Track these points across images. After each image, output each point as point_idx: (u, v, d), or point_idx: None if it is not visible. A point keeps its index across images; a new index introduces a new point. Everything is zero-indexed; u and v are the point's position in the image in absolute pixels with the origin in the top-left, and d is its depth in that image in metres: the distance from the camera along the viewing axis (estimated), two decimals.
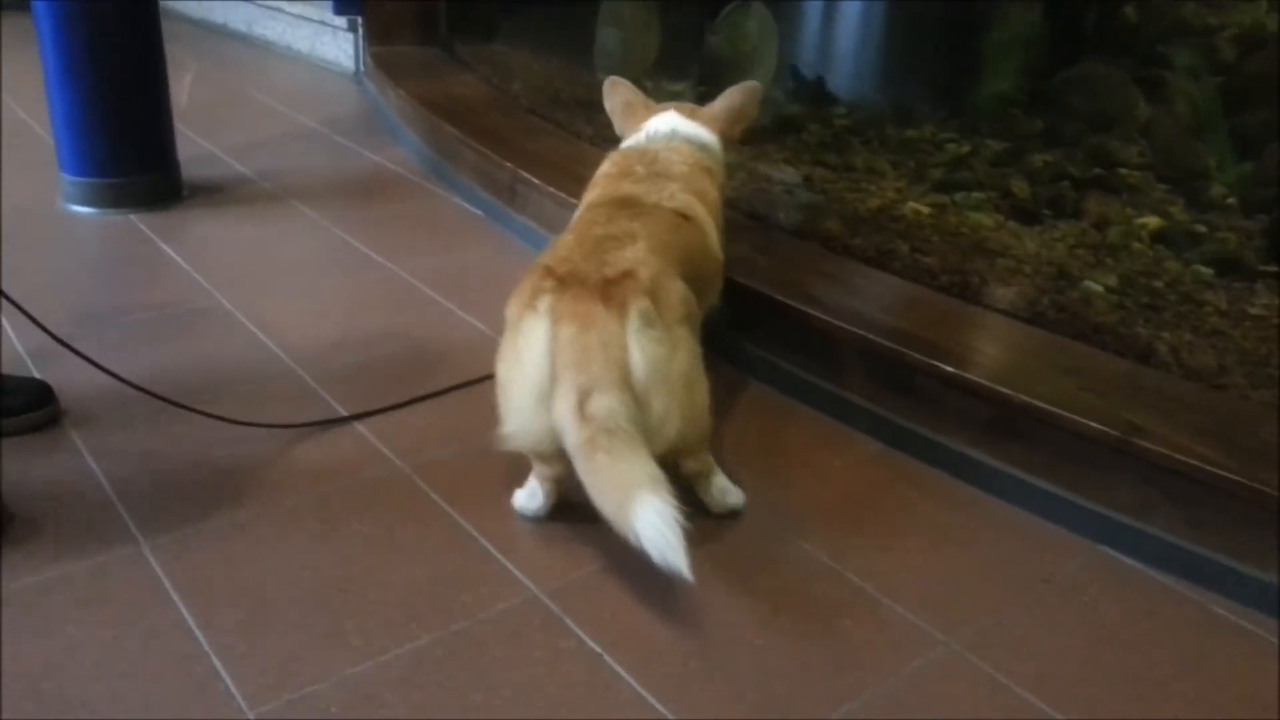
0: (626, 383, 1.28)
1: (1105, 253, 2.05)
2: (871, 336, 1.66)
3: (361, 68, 3.86)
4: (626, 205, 1.55)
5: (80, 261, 2.19)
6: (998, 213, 2.24)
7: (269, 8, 4.28)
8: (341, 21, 3.85)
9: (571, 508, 1.44)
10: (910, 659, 1.21)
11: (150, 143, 2.46)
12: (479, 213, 2.60)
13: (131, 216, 2.40)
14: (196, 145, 2.94)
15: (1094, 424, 1.42)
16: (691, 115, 1.81)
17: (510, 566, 1.32)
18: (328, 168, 2.89)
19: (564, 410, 1.27)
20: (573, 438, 1.26)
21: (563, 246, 1.43)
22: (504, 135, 2.67)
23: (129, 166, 2.42)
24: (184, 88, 3.57)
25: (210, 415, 1.56)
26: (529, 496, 1.45)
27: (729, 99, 1.85)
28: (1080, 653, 1.23)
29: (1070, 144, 2.66)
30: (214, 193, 2.61)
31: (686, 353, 1.36)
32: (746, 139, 1.94)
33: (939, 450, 1.59)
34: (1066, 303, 1.79)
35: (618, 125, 1.90)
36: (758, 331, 1.84)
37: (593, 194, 1.66)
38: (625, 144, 1.81)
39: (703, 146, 1.76)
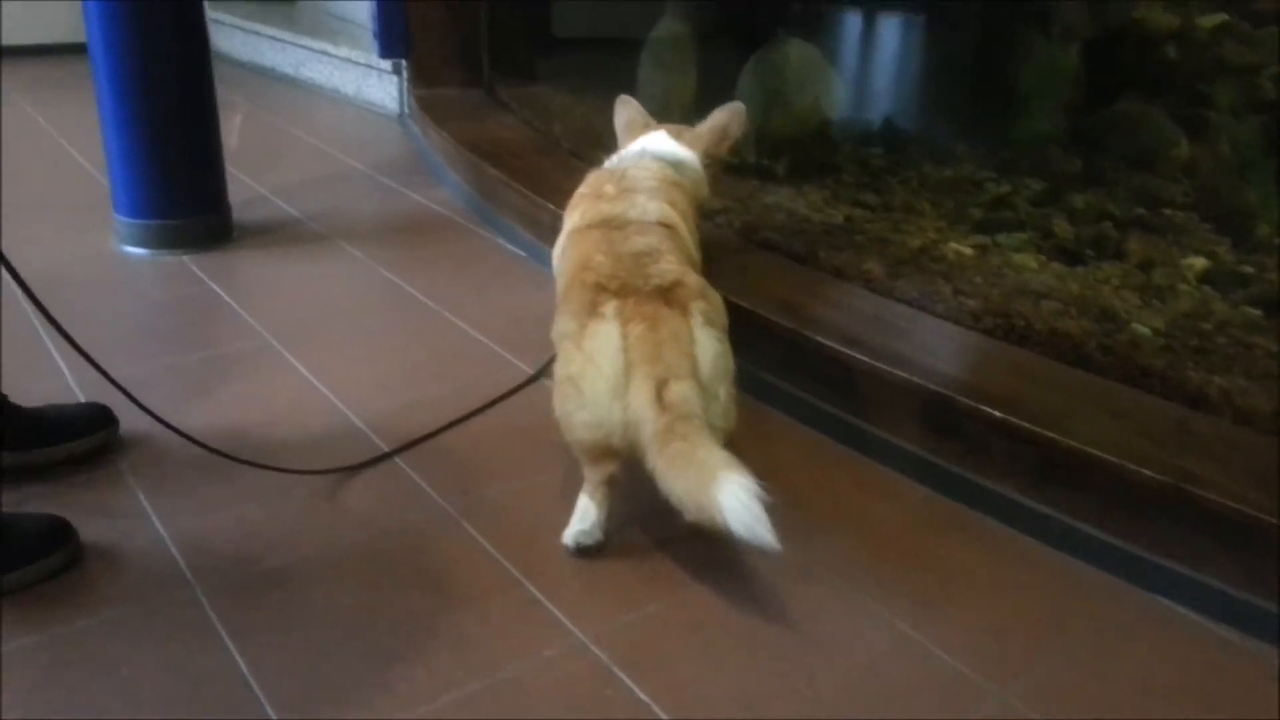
0: (697, 374, 1.39)
1: (1151, 294, 2.03)
2: (916, 380, 1.66)
3: (405, 110, 3.93)
4: (614, 224, 1.64)
5: (133, 303, 2.24)
6: (1040, 253, 2.23)
7: (316, 51, 4.37)
8: (386, 65, 3.92)
9: (617, 552, 1.44)
10: (962, 710, 1.19)
11: (202, 185, 2.52)
12: (521, 254, 2.63)
13: (184, 257, 2.46)
14: (246, 186, 3.00)
15: (1146, 471, 1.40)
16: (677, 135, 1.92)
17: (556, 612, 1.33)
18: (373, 209, 2.94)
19: (643, 401, 1.35)
20: (651, 426, 1.33)
21: (601, 266, 1.51)
22: (545, 177, 2.70)
23: (182, 208, 2.48)
24: (233, 129, 3.65)
25: (259, 466, 1.58)
26: (581, 517, 1.45)
27: (714, 119, 1.96)
28: (1135, 706, 1.21)
29: (1111, 183, 2.65)
30: (263, 233, 2.66)
31: (731, 354, 1.49)
32: (734, 153, 2.06)
33: (986, 495, 1.58)
34: (1114, 345, 1.78)
35: (620, 141, 1.99)
36: (799, 374, 1.84)
37: (574, 217, 1.74)
38: (604, 164, 1.90)
39: (674, 163, 1.86)
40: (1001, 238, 2.30)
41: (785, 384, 1.87)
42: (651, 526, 1.51)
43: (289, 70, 4.57)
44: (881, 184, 2.71)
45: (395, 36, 3.70)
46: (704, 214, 1.99)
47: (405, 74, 3.88)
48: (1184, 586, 1.39)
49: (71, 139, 3.43)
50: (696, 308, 1.45)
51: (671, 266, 1.52)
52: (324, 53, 4.33)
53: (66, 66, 4.53)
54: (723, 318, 1.51)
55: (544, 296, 2.36)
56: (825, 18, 4.14)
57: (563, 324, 1.50)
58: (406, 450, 1.68)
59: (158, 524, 1.47)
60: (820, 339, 1.79)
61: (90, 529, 1.44)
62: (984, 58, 3.10)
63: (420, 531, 1.49)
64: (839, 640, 1.30)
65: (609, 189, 1.74)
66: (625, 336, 1.39)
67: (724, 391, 1.43)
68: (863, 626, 1.33)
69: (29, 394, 1.78)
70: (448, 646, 1.26)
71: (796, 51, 2.96)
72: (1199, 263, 2.16)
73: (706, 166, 1.92)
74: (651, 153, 1.86)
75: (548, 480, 1.62)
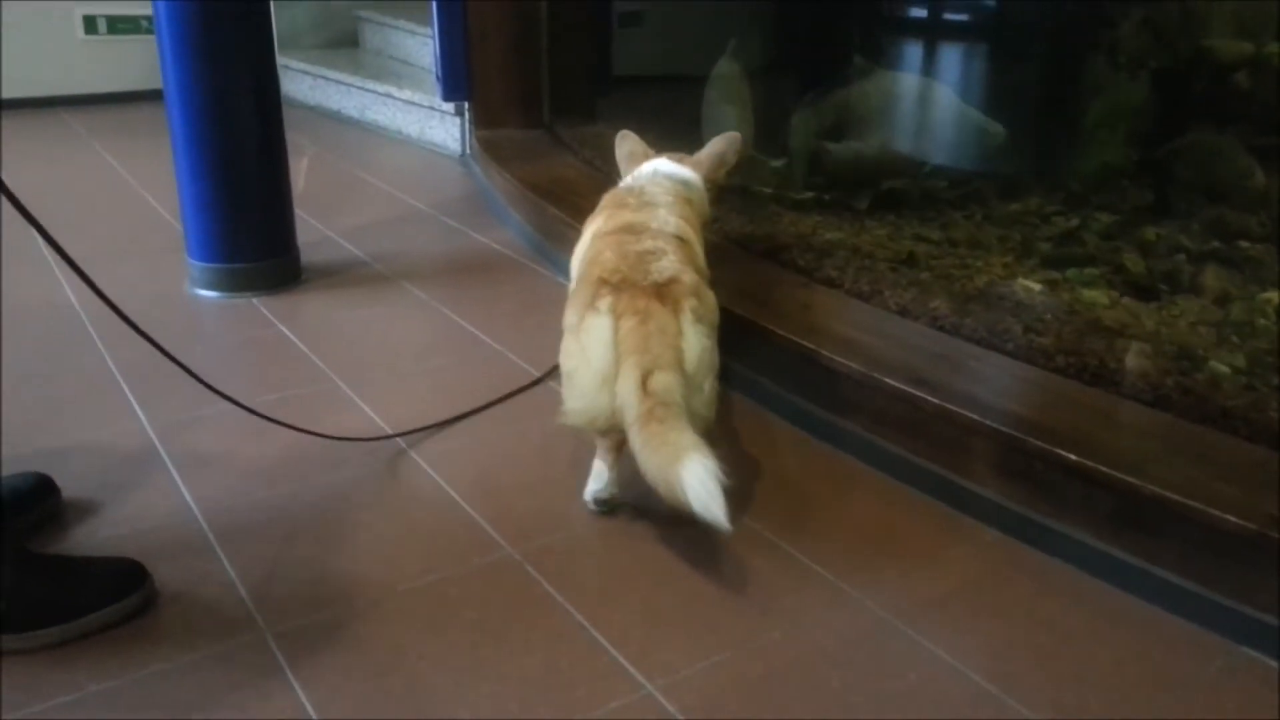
0: (682, 366, 1.50)
1: (1229, 330, 1.97)
2: (986, 421, 1.62)
3: (468, 151, 3.99)
4: (633, 230, 1.74)
5: (205, 345, 2.29)
6: (1111, 289, 2.18)
7: (381, 94, 4.46)
8: (449, 107, 3.99)
9: (681, 599, 1.43)
10: None
11: (273, 229, 2.58)
12: None
13: (253, 300, 2.51)
14: (313, 228, 3.06)
15: (1230, 516, 1.35)
16: (679, 161, 2.06)
17: (622, 660, 1.31)
18: (437, 249, 2.98)
19: (628, 388, 1.47)
20: (633, 411, 1.45)
21: (607, 261, 1.62)
22: None
23: (252, 252, 2.53)
24: (301, 172, 3.74)
25: (295, 428, 1.59)
26: (595, 478, 1.65)
27: (712, 147, 2.11)
28: None
29: (1184, 215, 2.59)
30: (330, 275, 2.71)
31: (718, 352, 1.61)
32: (734, 174, 2.19)
33: (1062, 540, 1.54)
34: (1192, 385, 1.73)
35: (623, 171, 2.14)
36: (865, 414, 1.82)
37: (597, 223, 1.86)
38: (620, 184, 2.04)
39: (683, 182, 2.00)
40: (1071, 273, 2.26)
41: (852, 425, 1.84)
42: (716, 574, 1.50)
43: (354, 113, 4.67)
44: (946, 217, 2.68)
45: (458, 80, 3.76)
46: (708, 231, 2.10)
47: (467, 116, 3.94)
48: (1272, 637, 1.34)
49: (146, 184, 3.53)
50: (688, 304, 1.56)
51: (671, 264, 1.63)
52: (388, 96, 4.42)
53: (142, 112, 4.68)
54: (713, 315, 1.63)
55: None
56: (887, 49, 4.12)
57: (568, 316, 1.63)
58: (406, 434, 1.69)
59: (228, 566, 1.49)
60: (887, 379, 1.76)
61: (162, 570, 1.47)
62: (1051, 88, 3.05)
63: (485, 575, 1.49)
64: (912, 695, 1.27)
65: (631, 201, 1.87)
66: (617, 330, 1.52)
67: (708, 385, 1.56)
68: (935, 676, 1.29)
69: (101, 437, 1.83)
70: (513, 694, 1.25)
71: (877, 83, 2.95)
72: (1277, 297, 2.09)
73: (707, 190, 2.07)
74: (664, 172, 2.01)
75: (612, 526, 1.62)
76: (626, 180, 2.04)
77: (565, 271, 2.73)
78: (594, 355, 1.53)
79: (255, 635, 1.35)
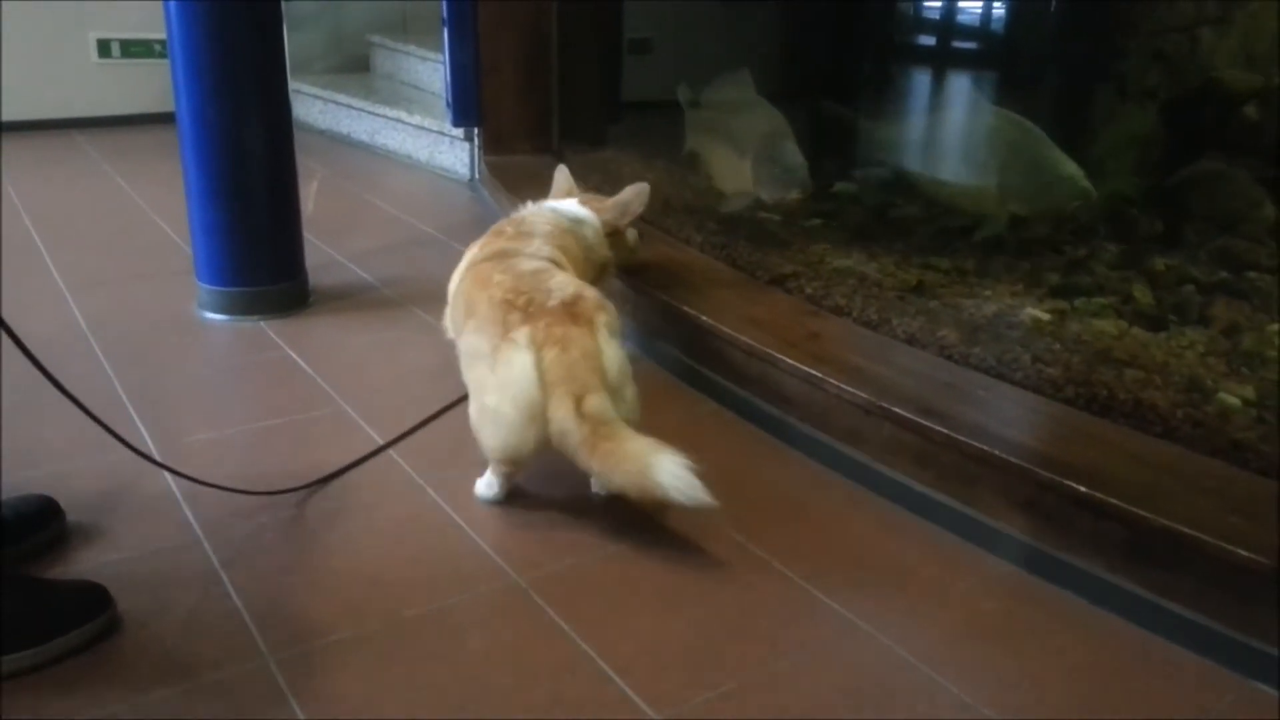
0: (606, 383, 1.58)
1: (1239, 362, 1.96)
2: (995, 452, 1.61)
3: (477, 175, 4.00)
4: (506, 255, 1.82)
5: (213, 368, 2.29)
6: (1120, 319, 2.18)
7: (391, 119, 4.49)
8: (458, 132, 4.01)
9: (689, 628, 1.42)
10: None
11: (282, 253, 2.59)
12: None
13: (261, 323, 2.51)
14: (322, 251, 3.07)
15: (1241, 550, 1.34)
16: (585, 203, 2.17)
17: (629, 691, 1.30)
18: (445, 274, 2.95)
19: (564, 415, 1.54)
20: (576, 436, 1.53)
21: (504, 282, 1.69)
22: None
23: (262, 276, 2.54)
24: (310, 195, 3.75)
25: (221, 488, 1.58)
26: (487, 486, 1.73)
27: (621, 196, 2.21)
28: None
29: (1193, 246, 2.59)
30: (338, 299, 2.72)
31: (627, 355, 1.68)
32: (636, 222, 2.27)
33: (1072, 574, 1.53)
34: (1201, 417, 1.72)
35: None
36: (871, 443, 1.81)
37: (473, 251, 1.95)
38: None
39: (573, 219, 2.09)
40: (1080, 303, 2.25)
41: (857, 454, 1.84)
42: (723, 604, 1.49)
43: (364, 137, 4.70)
44: (952, 246, 2.67)
45: (468, 106, 3.78)
46: (607, 274, 2.20)
47: (477, 141, 3.96)
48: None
49: (156, 207, 3.55)
50: (600, 320, 1.63)
51: (567, 279, 1.71)
52: (398, 120, 4.44)
53: (154, 136, 4.71)
54: (618, 322, 1.69)
55: None
56: (892, 78, 4.14)
57: (473, 341, 1.68)
58: (396, 441, 1.68)
59: (230, 590, 1.48)
60: (896, 409, 1.76)
61: (163, 594, 1.46)
62: (1059, 118, 3.06)
63: (491, 603, 1.48)
64: None
65: (508, 230, 1.96)
66: (540, 362, 1.56)
67: (629, 391, 1.64)
68: (949, 712, 1.28)
69: (106, 460, 1.82)
70: None
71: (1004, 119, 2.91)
72: None
73: (609, 235, 2.16)
74: (551, 207, 2.12)
75: (620, 554, 1.61)
76: (517, 213, 2.11)
77: None
78: (519, 391, 1.57)
79: (259, 662, 1.34)
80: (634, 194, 2.21)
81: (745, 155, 2.90)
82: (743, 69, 3.08)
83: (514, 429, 1.58)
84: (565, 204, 2.16)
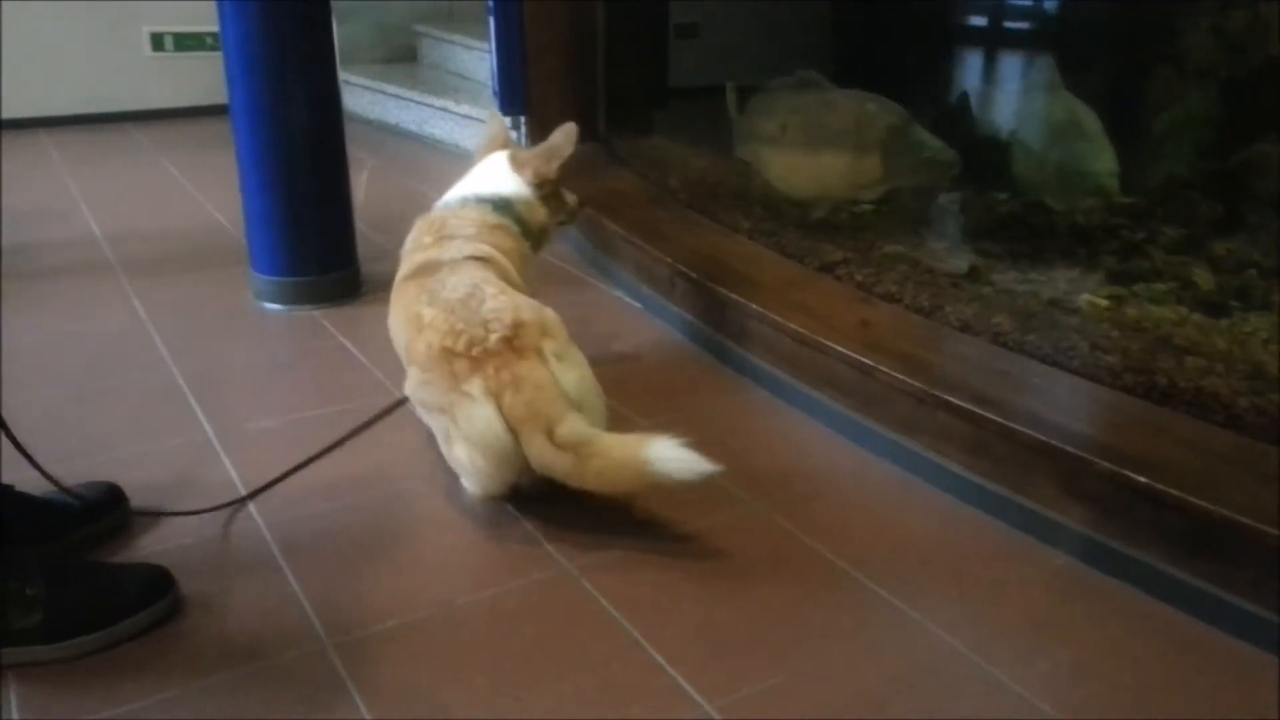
0: (569, 402, 1.57)
1: None
2: (1052, 441, 1.59)
3: None
4: (428, 270, 1.77)
5: (268, 357, 2.33)
6: (1180, 305, 2.13)
7: (438, 109, 4.51)
8: (505, 120, 4.01)
9: (740, 617, 1.42)
10: None
11: (335, 243, 2.62)
12: (638, 305, 2.64)
13: (315, 312, 2.55)
14: (371, 242, 3.10)
15: None
16: (512, 159, 2.05)
17: (680, 679, 1.31)
18: None
19: (541, 450, 1.54)
20: (561, 467, 1.53)
21: (439, 324, 1.62)
22: (662, 230, 2.72)
23: (316, 266, 2.57)
24: (361, 185, 3.79)
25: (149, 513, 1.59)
26: (470, 491, 1.69)
27: (550, 139, 2.07)
28: None
29: (1255, 229, 2.52)
30: (389, 289, 2.73)
31: (583, 359, 1.67)
32: (563, 174, 2.09)
33: (1131, 565, 1.50)
34: (1265, 405, 1.68)
35: (475, 157, 2.16)
36: (924, 432, 1.79)
37: (401, 270, 1.90)
38: (433, 210, 2.02)
39: (498, 203, 1.97)
40: (1138, 288, 2.21)
41: (909, 442, 1.82)
42: (774, 593, 1.48)
43: (413, 127, 4.73)
44: (1008, 230, 2.63)
45: (515, 94, 3.79)
46: (546, 238, 2.12)
47: (524, 129, 3.97)
48: None
49: (210, 197, 3.61)
50: (547, 347, 1.61)
51: (498, 303, 1.64)
52: (445, 110, 4.47)
53: (207, 127, 4.78)
54: (564, 333, 1.67)
55: (658, 349, 2.37)
56: (941, 58, 4.08)
57: (422, 395, 1.67)
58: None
59: (290, 576, 1.51)
60: (949, 397, 1.74)
61: (225, 578, 1.49)
62: (1116, 99, 3.00)
63: (542, 590, 1.49)
64: None
65: (426, 239, 1.89)
66: (500, 410, 1.54)
67: (591, 401, 1.64)
68: (1003, 709, 1.27)
69: (168, 448, 1.86)
70: (571, 712, 1.25)
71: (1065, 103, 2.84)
72: None
73: (539, 186, 2.03)
74: (474, 198, 1.98)
75: (667, 542, 1.61)
76: (438, 205, 2.03)
77: (622, 285, 2.75)
78: (489, 443, 1.56)
79: (317, 646, 1.36)
80: (562, 136, 2.07)
81: (850, 153, 2.68)
82: (808, 70, 2.93)
83: (493, 477, 1.60)
84: (492, 172, 2.04)
